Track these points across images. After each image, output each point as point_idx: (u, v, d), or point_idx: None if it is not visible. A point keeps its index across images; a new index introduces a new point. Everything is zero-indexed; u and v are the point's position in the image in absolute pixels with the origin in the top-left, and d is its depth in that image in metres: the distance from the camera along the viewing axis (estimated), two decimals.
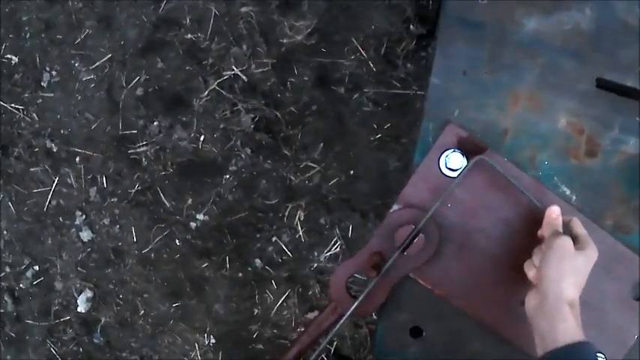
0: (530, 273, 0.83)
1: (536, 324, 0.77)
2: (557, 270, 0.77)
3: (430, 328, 0.93)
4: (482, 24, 0.91)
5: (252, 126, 1.75)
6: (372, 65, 1.73)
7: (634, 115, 0.90)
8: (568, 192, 0.92)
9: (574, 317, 0.74)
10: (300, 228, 1.76)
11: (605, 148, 0.91)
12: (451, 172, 0.90)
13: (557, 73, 0.91)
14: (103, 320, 1.87)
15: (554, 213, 0.84)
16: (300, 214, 1.75)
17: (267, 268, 1.77)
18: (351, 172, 1.74)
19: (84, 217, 1.86)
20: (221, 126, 1.77)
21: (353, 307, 0.88)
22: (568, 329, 0.73)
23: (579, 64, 0.91)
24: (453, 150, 0.90)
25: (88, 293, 1.87)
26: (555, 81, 0.91)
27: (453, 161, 0.90)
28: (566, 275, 0.77)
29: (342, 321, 0.91)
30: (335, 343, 1.76)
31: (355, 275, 0.92)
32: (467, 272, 0.91)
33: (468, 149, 0.89)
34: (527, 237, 0.89)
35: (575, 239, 0.81)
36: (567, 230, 0.83)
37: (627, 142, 0.91)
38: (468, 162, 0.89)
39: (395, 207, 0.91)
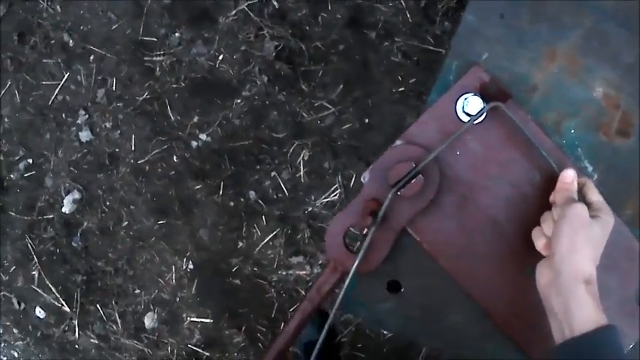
0: (539, 242, 0.74)
1: (549, 304, 0.69)
2: (571, 242, 0.68)
3: (410, 285, 0.83)
4: None
5: (274, 54, 1.68)
6: (408, 16, 1.65)
7: None
8: (590, 168, 0.82)
9: (592, 297, 0.66)
10: (302, 168, 1.68)
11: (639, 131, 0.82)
12: (467, 117, 0.80)
13: (602, 40, 0.81)
14: (85, 224, 1.81)
15: (568, 177, 0.75)
16: (305, 153, 1.68)
17: (260, 202, 1.70)
18: (366, 120, 1.66)
19: (87, 116, 1.81)
20: (242, 48, 1.70)
21: (356, 263, 0.76)
22: (585, 314, 0.65)
23: (629, 35, 0.81)
24: (473, 94, 0.80)
25: (76, 195, 1.81)
26: (599, 47, 0.81)
27: (472, 106, 0.80)
28: (581, 248, 0.68)
29: (347, 281, 0.78)
30: None
31: (352, 230, 0.81)
32: (463, 232, 0.81)
33: (490, 96, 0.79)
34: (537, 203, 0.79)
35: (590, 205, 0.72)
36: (581, 196, 0.75)
37: None
38: (487, 105, 0.79)
39: (398, 142, 0.81)
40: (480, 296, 0.81)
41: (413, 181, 0.77)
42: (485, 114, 0.79)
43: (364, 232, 0.78)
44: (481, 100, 0.80)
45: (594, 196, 0.75)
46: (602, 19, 0.81)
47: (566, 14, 0.82)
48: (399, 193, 0.77)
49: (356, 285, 0.83)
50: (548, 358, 0.68)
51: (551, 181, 0.78)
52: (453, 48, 0.83)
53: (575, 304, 0.65)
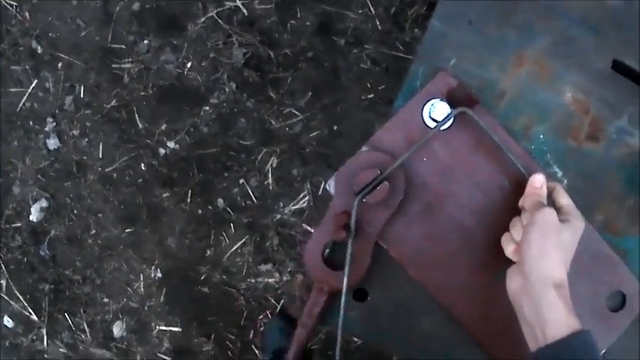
0: (509, 248, 0.73)
1: (520, 310, 0.68)
2: (540, 247, 0.67)
3: (377, 293, 0.83)
4: None
5: (243, 61, 1.68)
6: (378, 23, 1.65)
7: None
8: (560, 174, 0.83)
9: (563, 301, 0.65)
10: (270, 175, 1.68)
11: (610, 136, 0.82)
12: (434, 123, 0.80)
13: (571, 45, 0.82)
14: (52, 233, 1.79)
15: (537, 182, 0.74)
16: (274, 160, 1.67)
17: (228, 209, 1.69)
18: (335, 127, 1.66)
19: (54, 124, 1.79)
20: (211, 55, 1.69)
21: (345, 282, 0.76)
22: (557, 318, 0.64)
23: (598, 40, 0.81)
24: (440, 99, 0.80)
25: (43, 203, 1.79)
26: (568, 52, 0.82)
27: (439, 111, 0.79)
28: (550, 252, 0.67)
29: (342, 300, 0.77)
30: (282, 301, 1.68)
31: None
32: (431, 239, 0.80)
33: (457, 101, 0.79)
34: (506, 209, 0.78)
35: (559, 210, 0.72)
36: (550, 201, 0.74)
37: (634, 134, 0.82)
38: (454, 110, 0.79)
39: (363, 149, 0.80)
40: (449, 303, 0.81)
41: (378, 188, 0.76)
42: (452, 120, 0.79)
43: (340, 242, 0.78)
44: (448, 106, 0.79)
45: (564, 200, 0.74)
46: (571, 24, 0.82)
47: (534, 20, 0.82)
48: (364, 200, 0.76)
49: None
50: None
51: (520, 186, 0.77)
52: (419, 53, 0.83)
53: (547, 308, 0.65)
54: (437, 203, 0.81)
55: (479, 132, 0.79)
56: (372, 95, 1.64)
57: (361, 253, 0.78)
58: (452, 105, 0.79)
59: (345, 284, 0.76)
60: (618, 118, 0.82)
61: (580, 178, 0.82)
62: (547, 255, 0.67)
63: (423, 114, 0.80)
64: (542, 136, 0.83)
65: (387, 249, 0.81)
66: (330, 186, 0.80)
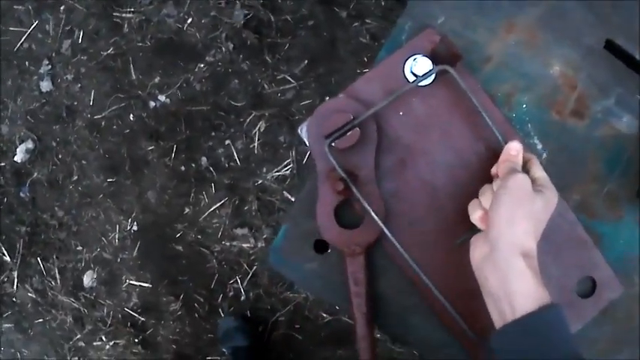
0: (475, 214, 0.68)
1: (484, 280, 0.63)
2: (510, 213, 0.62)
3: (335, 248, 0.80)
4: None
5: (243, 22, 1.66)
6: None
7: (635, 92, 0.79)
8: (540, 146, 0.80)
9: (532, 271, 0.60)
10: (257, 139, 1.66)
11: (595, 115, 0.79)
12: (415, 77, 0.78)
13: (565, 18, 0.79)
14: (35, 175, 1.78)
15: (513, 149, 0.69)
16: (262, 124, 1.65)
17: (211, 169, 1.68)
18: (327, 97, 1.63)
19: (50, 67, 1.78)
20: (212, 13, 1.68)
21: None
22: (526, 289, 0.59)
23: (592, 17, 0.79)
24: (422, 55, 0.78)
25: (29, 144, 1.79)
26: (560, 26, 0.79)
27: (420, 67, 0.77)
28: (520, 220, 0.62)
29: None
30: (255, 267, 1.66)
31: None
32: (395, 197, 0.77)
33: (441, 59, 0.76)
34: (479, 174, 0.76)
35: (534, 181, 0.67)
36: (524, 171, 0.70)
37: (620, 116, 0.79)
38: (435, 67, 0.76)
39: (340, 96, 0.78)
40: (408, 267, 0.77)
41: (349, 134, 0.74)
42: (434, 77, 0.77)
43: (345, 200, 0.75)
44: (431, 63, 0.77)
45: (539, 172, 0.70)
46: None
47: None
48: (333, 144, 0.74)
49: (284, 238, 0.80)
50: (492, 345, 0.61)
51: (495, 153, 0.74)
52: (408, 8, 0.80)
53: (515, 279, 0.60)
54: (409, 159, 0.78)
55: (460, 93, 0.76)
56: (367, 70, 1.61)
57: (371, 196, 0.75)
58: (435, 63, 0.77)
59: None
60: (606, 98, 0.80)
61: (560, 153, 0.80)
62: (517, 222, 0.62)
63: (405, 68, 0.78)
64: (524, 106, 0.80)
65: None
66: (302, 130, 0.78)
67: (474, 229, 0.70)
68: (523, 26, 0.80)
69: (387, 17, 1.63)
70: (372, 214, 0.74)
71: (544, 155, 0.80)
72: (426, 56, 0.77)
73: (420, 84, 0.77)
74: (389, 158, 0.78)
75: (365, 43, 1.63)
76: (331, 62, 1.64)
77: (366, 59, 1.63)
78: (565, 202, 0.78)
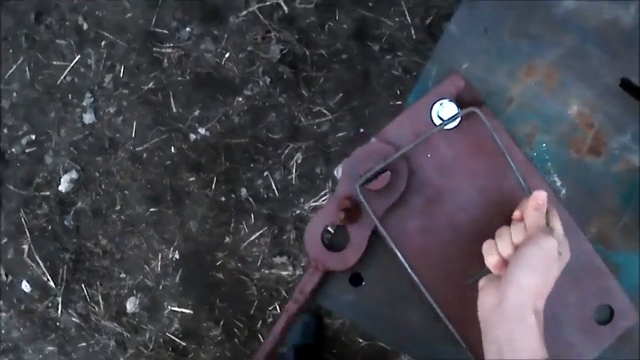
0: (491, 259, 0.68)
1: (490, 329, 0.65)
2: (532, 274, 0.64)
3: (371, 280, 0.86)
4: None
5: (279, 57, 1.72)
6: (413, 32, 1.68)
7: None
8: (559, 183, 0.85)
9: (539, 330, 0.63)
10: (294, 170, 1.71)
11: (611, 151, 0.84)
12: (441, 122, 0.84)
13: (581, 59, 0.84)
14: (79, 204, 1.85)
15: (541, 198, 0.70)
16: (299, 156, 1.71)
17: (250, 200, 1.74)
18: (362, 130, 1.69)
19: (92, 99, 1.85)
20: (248, 48, 1.74)
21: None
22: (532, 347, 0.62)
23: (608, 57, 0.84)
24: (449, 100, 0.83)
25: (73, 174, 1.86)
26: (578, 66, 0.84)
27: (447, 111, 0.82)
28: (539, 281, 0.64)
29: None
30: None
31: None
32: (426, 233, 0.83)
33: (465, 103, 0.82)
34: (498, 214, 0.79)
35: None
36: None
37: (635, 152, 0.84)
38: (462, 110, 0.81)
39: (372, 140, 0.83)
40: (434, 296, 0.81)
41: (381, 176, 0.79)
42: (459, 120, 0.82)
43: (341, 226, 0.81)
44: (456, 107, 0.82)
45: (557, 226, 0.71)
46: (582, 39, 0.84)
47: (548, 32, 0.85)
48: (366, 187, 0.79)
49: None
50: None
51: (515, 193, 0.78)
52: (434, 55, 0.86)
53: (523, 335, 0.62)
54: (436, 199, 0.83)
55: (483, 135, 0.81)
56: (400, 102, 1.68)
57: (358, 238, 0.81)
58: (460, 106, 0.82)
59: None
60: (622, 134, 0.84)
61: (578, 189, 0.84)
62: (536, 283, 0.64)
63: (432, 112, 0.83)
64: (544, 145, 0.85)
65: (385, 237, 0.82)
66: (338, 172, 0.83)
67: (485, 270, 0.71)
68: (542, 68, 0.85)
69: (419, 50, 1.68)
70: (393, 246, 0.79)
71: (563, 191, 0.84)
72: (452, 101, 0.83)
73: (446, 127, 0.82)
74: (417, 198, 0.83)
75: (397, 75, 1.68)
76: (365, 95, 1.69)
77: (398, 92, 1.68)
78: (583, 234, 0.81)
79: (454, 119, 0.81)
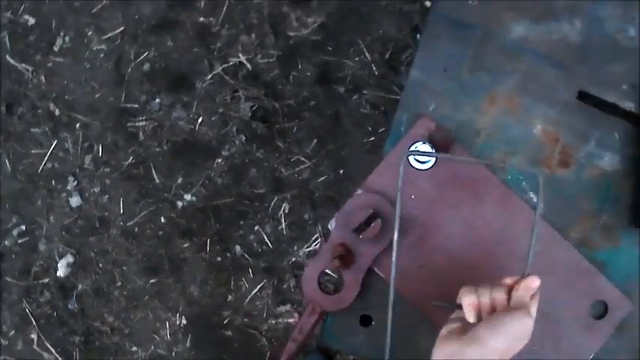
0: (469, 298, 0.72)
1: None
2: (506, 342, 0.68)
3: (380, 318, 0.92)
4: (470, 24, 0.92)
5: (250, 114, 1.77)
6: (374, 68, 1.74)
7: (612, 131, 0.90)
8: (535, 199, 0.91)
9: None
10: (283, 220, 1.76)
11: (579, 161, 0.91)
12: (419, 164, 0.90)
13: (538, 81, 0.91)
14: (80, 287, 1.88)
15: (535, 283, 0.73)
16: (286, 206, 1.76)
17: (246, 256, 1.78)
18: (341, 171, 1.74)
19: (76, 183, 1.89)
20: (220, 110, 1.79)
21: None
22: None
23: (562, 74, 0.90)
24: (422, 142, 0.90)
25: (69, 258, 1.89)
26: (535, 88, 0.91)
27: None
28: (506, 351, 0.68)
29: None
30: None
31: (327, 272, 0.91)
32: (422, 267, 0.90)
33: (436, 142, 0.89)
34: (487, 239, 0.88)
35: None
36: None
37: (602, 157, 0.90)
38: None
39: (359, 191, 0.91)
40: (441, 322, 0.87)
41: (372, 225, 0.86)
42: (434, 161, 0.90)
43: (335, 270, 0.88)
44: (430, 148, 0.89)
45: (534, 311, 0.74)
46: (536, 62, 0.91)
47: (503, 62, 0.91)
48: (360, 236, 0.86)
49: (330, 321, 0.92)
50: None
51: (495, 216, 0.86)
52: (402, 102, 0.92)
53: None
54: (426, 234, 0.90)
55: (458, 168, 0.89)
56: (373, 138, 1.73)
57: (352, 282, 0.88)
58: (432, 146, 0.89)
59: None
60: (586, 143, 0.90)
61: (555, 202, 0.90)
62: (502, 352, 0.68)
63: (409, 156, 0.90)
64: (516, 168, 0.91)
65: (385, 277, 0.90)
66: (332, 225, 0.91)
67: (450, 304, 0.76)
68: (503, 96, 0.91)
69: (382, 85, 1.74)
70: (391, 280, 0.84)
71: (540, 206, 0.90)
72: (425, 142, 0.89)
73: (424, 167, 0.89)
74: (408, 237, 0.90)
75: (366, 113, 1.74)
76: (338, 137, 1.75)
77: (370, 128, 1.73)
78: (567, 240, 0.88)
79: (427, 162, 0.89)
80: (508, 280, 0.75)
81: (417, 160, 0.90)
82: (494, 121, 0.91)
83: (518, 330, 0.69)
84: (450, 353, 0.69)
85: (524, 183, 0.91)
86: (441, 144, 0.89)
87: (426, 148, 0.89)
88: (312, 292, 0.89)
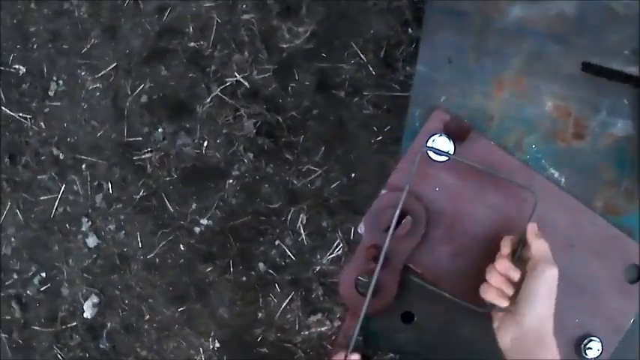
0: (487, 294, 0.78)
1: (514, 357, 0.74)
2: (545, 301, 0.74)
3: (421, 313, 0.93)
4: (466, 13, 0.93)
5: (254, 131, 1.78)
6: (371, 69, 1.75)
7: (621, 98, 0.91)
8: (557, 174, 0.93)
9: (557, 350, 0.72)
10: (302, 231, 1.77)
11: (593, 131, 0.92)
12: (438, 156, 0.91)
13: (541, 59, 0.93)
14: (108, 325, 1.88)
15: (534, 229, 0.80)
16: (303, 217, 1.76)
17: (270, 271, 1.78)
18: (353, 174, 1.75)
19: (90, 223, 1.89)
20: (224, 131, 1.80)
21: (365, 303, 0.87)
22: None
23: (564, 48, 0.92)
24: (439, 134, 0.91)
25: (94, 299, 1.89)
26: (540, 66, 0.93)
27: (439, 145, 0.92)
28: (552, 310, 0.74)
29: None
30: None
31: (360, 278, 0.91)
32: (455, 256, 0.91)
33: (453, 133, 0.90)
34: (513, 220, 0.89)
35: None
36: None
37: (615, 124, 0.92)
38: (454, 145, 0.90)
39: (383, 192, 0.92)
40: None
41: (402, 222, 0.87)
42: (454, 150, 0.91)
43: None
44: (447, 138, 0.90)
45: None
46: (538, 40, 0.92)
47: (505, 45, 0.93)
48: (394, 236, 0.87)
49: (373, 322, 0.93)
50: None
51: (522, 197, 0.87)
52: (412, 98, 0.94)
53: (545, 355, 0.72)
54: (455, 224, 0.92)
55: (478, 155, 0.90)
56: (380, 137, 1.74)
57: (390, 282, 0.89)
58: (449, 137, 0.90)
59: (365, 306, 0.87)
60: (598, 113, 0.92)
61: (575, 174, 0.92)
62: (547, 311, 0.74)
63: (428, 151, 0.91)
64: (534, 146, 0.93)
65: (421, 272, 0.92)
66: (361, 229, 0.92)
67: (498, 307, 0.79)
68: (510, 79, 0.93)
69: (381, 84, 1.75)
70: (365, 302, 0.86)
71: (562, 181, 0.92)
72: (442, 134, 0.91)
73: (444, 159, 0.90)
74: (438, 229, 0.91)
75: (369, 113, 1.75)
76: (345, 141, 1.75)
77: (375, 128, 1.74)
78: (592, 210, 0.90)
79: (446, 154, 0.90)
80: (505, 250, 0.80)
81: (436, 153, 0.91)
82: (505, 104, 0.93)
83: (546, 285, 0.74)
84: (512, 336, 0.74)
85: (543, 160, 0.93)
86: (457, 134, 0.90)
87: (443, 140, 0.91)
88: (351, 298, 0.90)
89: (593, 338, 0.88)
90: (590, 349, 0.88)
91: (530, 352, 0.72)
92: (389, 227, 0.87)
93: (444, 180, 0.91)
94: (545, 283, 0.74)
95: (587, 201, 0.91)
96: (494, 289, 0.78)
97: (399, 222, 0.88)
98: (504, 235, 0.85)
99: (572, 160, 0.92)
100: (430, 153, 0.91)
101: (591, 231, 0.88)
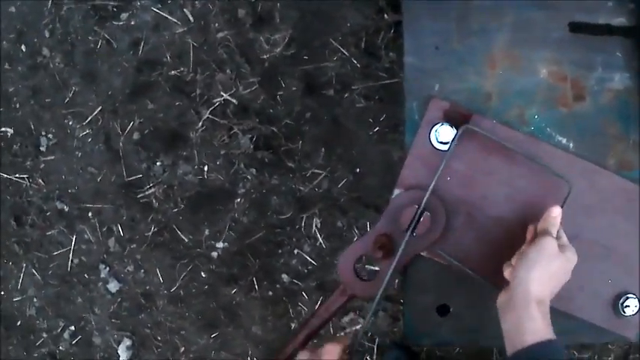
0: (506, 271, 0.82)
1: (503, 321, 0.78)
2: (531, 267, 0.77)
3: (456, 303, 0.93)
4: None
5: (252, 146, 1.77)
6: (355, 62, 1.74)
7: (614, 51, 0.91)
8: (564, 140, 0.92)
9: (542, 315, 0.74)
10: (319, 235, 1.76)
11: (592, 89, 0.91)
12: (443, 145, 0.90)
13: (528, 27, 0.91)
14: None
15: (554, 212, 0.82)
16: (317, 221, 1.76)
17: (295, 281, 1.78)
18: (357, 170, 1.75)
19: (108, 269, 1.88)
20: (222, 152, 1.79)
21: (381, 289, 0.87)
22: (535, 328, 0.73)
23: (548, 13, 0.91)
24: (441, 124, 0.90)
25: (127, 342, 1.88)
26: (528, 35, 0.91)
27: (443, 134, 0.90)
28: (539, 274, 0.76)
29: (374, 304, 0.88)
30: (377, 340, 1.76)
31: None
32: (480, 240, 0.91)
33: (454, 119, 0.89)
34: (530, 193, 0.89)
35: (559, 241, 0.81)
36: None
37: (612, 79, 0.91)
38: (457, 132, 0.89)
39: (396, 191, 0.91)
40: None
41: (422, 219, 0.87)
42: (458, 137, 0.89)
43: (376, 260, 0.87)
44: (450, 126, 0.89)
45: (562, 235, 0.83)
46: (520, 9, 0.91)
47: (489, 22, 0.91)
48: (414, 234, 0.87)
49: (412, 319, 0.94)
50: None
51: (535, 168, 0.87)
52: (406, 91, 0.93)
53: (527, 321, 0.74)
54: (474, 209, 0.91)
55: (482, 137, 0.89)
56: (377, 128, 1.73)
57: (384, 273, 0.88)
58: (451, 124, 0.89)
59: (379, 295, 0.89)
60: (594, 70, 0.91)
61: (582, 136, 0.91)
62: (536, 275, 0.76)
63: (432, 141, 0.90)
64: (536, 116, 0.92)
65: (450, 263, 0.90)
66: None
67: None
68: (501, 54, 0.91)
69: (368, 75, 1.74)
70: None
71: (570, 146, 0.91)
72: (444, 123, 0.89)
73: (449, 148, 0.89)
74: (458, 217, 0.91)
75: (362, 106, 1.74)
76: (344, 138, 1.75)
77: (371, 120, 1.73)
78: (605, 169, 0.90)
79: (453, 143, 0.88)
80: (530, 236, 0.83)
81: (440, 142, 0.90)
82: (501, 79, 0.92)
83: (538, 252, 0.77)
84: (504, 298, 0.78)
85: (548, 129, 0.92)
86: (459, 119, 0.89)
87: (446, 128, 0.89)
88: (346, 275, 0.89)
89: (629, 296, 0.88)
90: (628, 306, 0.88)
91: (513, 311, 0.76)
92: (409, 226, 0.87)
93: (455, 167, 0.90)
94: (537, 249, 0.77)
95: (600, 161, 0.90)
96: (512, 268, 0.80)
97: (418, 220, 0.87)
98: (525, 210, 0.86)
99: (576, 123, 0.91)
100: (435, 143, 0.90)
101: (609, 190, 0.87)
